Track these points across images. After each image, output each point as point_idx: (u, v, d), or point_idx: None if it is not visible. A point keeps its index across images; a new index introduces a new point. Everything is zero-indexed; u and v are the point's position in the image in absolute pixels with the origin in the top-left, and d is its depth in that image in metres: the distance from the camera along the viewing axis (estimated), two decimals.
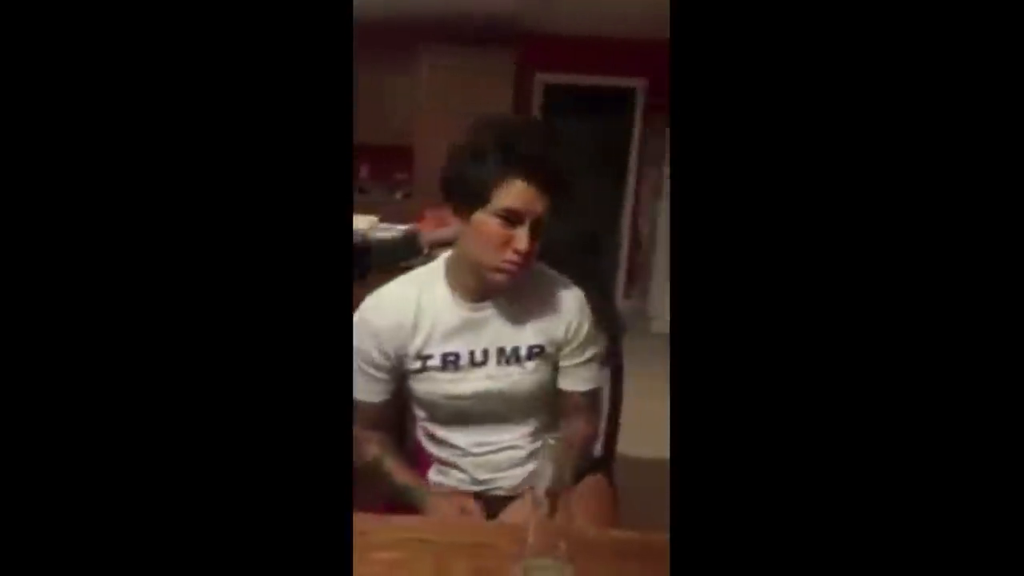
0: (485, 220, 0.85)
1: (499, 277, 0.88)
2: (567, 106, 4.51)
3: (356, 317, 0.95)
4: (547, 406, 1.04)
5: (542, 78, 4.46)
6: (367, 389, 0.97)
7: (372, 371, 0.96)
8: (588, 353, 1.02)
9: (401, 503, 0.95)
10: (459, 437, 1.00)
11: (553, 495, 0.60)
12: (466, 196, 0.87)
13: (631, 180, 4.63)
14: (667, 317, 4.15)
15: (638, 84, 4.47)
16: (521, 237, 0.85)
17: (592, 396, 1.04)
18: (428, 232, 1.39)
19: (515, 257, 0.86)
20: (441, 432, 1.01)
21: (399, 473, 0.97)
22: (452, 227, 1.80)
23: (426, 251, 1.24)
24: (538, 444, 1.02)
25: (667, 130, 4.10)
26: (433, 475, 1.06)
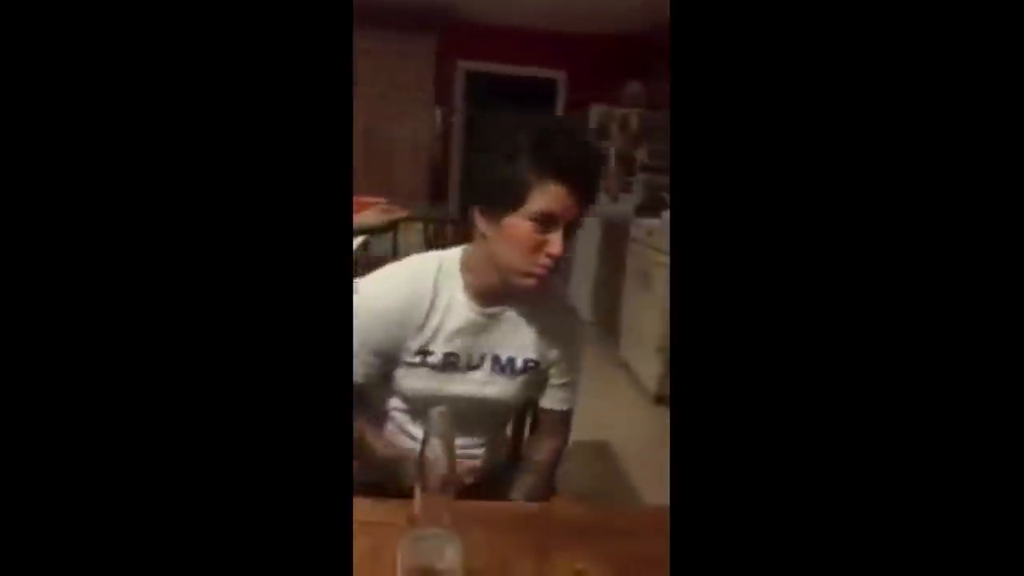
0: (518, 224, 0.83)
1: (529, 282, 0.86)
2: (489, 94, 4.51)
3: (362, 295, 0.91)
4: (508, 419, 1.05)
5: (464, 65, 4.44)
6: (355, 369, 0.92)
7: (365, 353, 0.92)
8: (573, 374, 1.02)
9: (388, 477, 0.92)
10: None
11: (442, 468, 0.61)
12: (498, 198, 0.84)
13: None
14: (586, 306, 4.27)
15: (558, 76, 4.54)
16: (555, 242, 0.83)
17: (566, 416, 1.05)
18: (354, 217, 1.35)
19: (547, 262, 0.84)
20: (412, 427, 0.99)
21: (385, 448, 0.94)
22: (376, 211, 1.75)
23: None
24: (482, 452, 1.03)
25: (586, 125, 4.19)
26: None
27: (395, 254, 2.29)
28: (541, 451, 1.04)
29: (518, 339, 0.96)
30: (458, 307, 0.93)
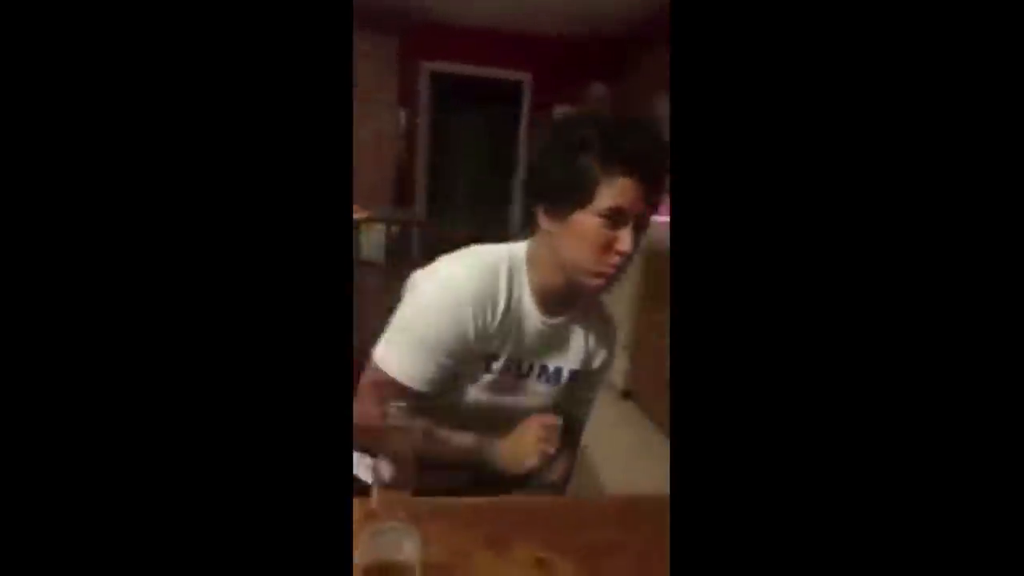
0: (585, 221, 0.79)
1: (597, 282, 0.82)
2: (454, 96, 4.51)
3: (431, 290, 0.84)
4: None
5: (428, 66, 4.42)
6: (423, 375, 0.84)
7: (440, 355, 0.84)
8: (600, 388, 1.01)
9: (468, 464, 0.89)
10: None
11: (402, 462, 0.61)
12: (565, 195, 0.80)
13: (520, 173, 4.72)
14: None
15: (524, 78, 4.56)
16: (624, 238, 0.79)
17: (582, 425, 1.04)
18: None
19: (617, 260, 0.80)
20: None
21: (457, 437, 0.89)
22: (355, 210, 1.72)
23: None
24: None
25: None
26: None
27: (357, 254, 2.27)
28: (557, 468, 0.99)
29: (570, 349, 0.94)
30: (527, 312, 0.88)
